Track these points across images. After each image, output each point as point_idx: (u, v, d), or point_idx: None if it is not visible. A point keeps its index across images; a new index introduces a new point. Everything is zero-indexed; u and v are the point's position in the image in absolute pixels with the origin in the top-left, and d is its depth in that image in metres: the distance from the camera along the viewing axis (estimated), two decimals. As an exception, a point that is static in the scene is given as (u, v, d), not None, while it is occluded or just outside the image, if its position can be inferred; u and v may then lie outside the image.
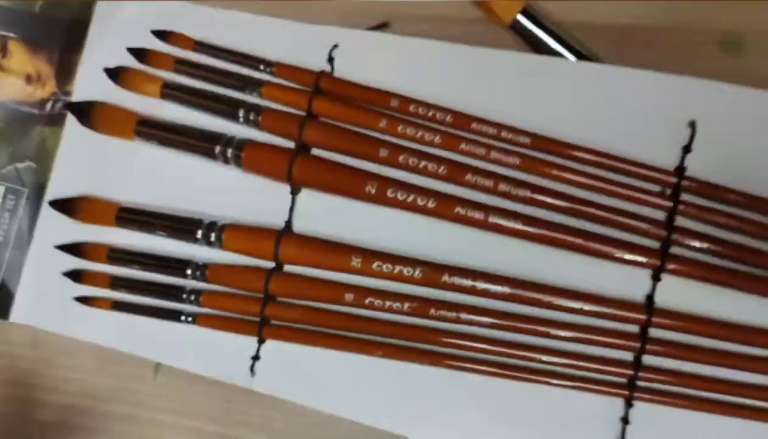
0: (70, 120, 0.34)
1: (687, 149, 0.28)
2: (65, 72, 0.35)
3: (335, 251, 0.31)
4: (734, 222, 0.27)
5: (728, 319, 0.28)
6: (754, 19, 0.32)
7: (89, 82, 0.35)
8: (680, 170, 0.28)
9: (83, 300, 0.33)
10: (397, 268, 0.30)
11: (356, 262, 0.30)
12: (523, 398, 0.29)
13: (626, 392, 0.28)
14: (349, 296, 0.30)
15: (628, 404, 0.28)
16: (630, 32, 0.33)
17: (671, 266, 0.28)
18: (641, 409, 0.28)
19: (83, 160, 0.34)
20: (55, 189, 0.34)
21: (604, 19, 0.33)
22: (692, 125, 0.28)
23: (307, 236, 0.31)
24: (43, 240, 0.34)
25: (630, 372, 0.28)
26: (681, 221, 0.28)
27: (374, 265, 0.30)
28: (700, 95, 0.28)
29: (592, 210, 0.29)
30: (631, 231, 0.28)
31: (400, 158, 0.30)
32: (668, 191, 0.28)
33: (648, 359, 0.28)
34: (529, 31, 0.32)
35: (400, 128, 0.31)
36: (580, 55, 0.32)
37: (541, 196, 0.29)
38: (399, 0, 0.34)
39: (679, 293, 0.28)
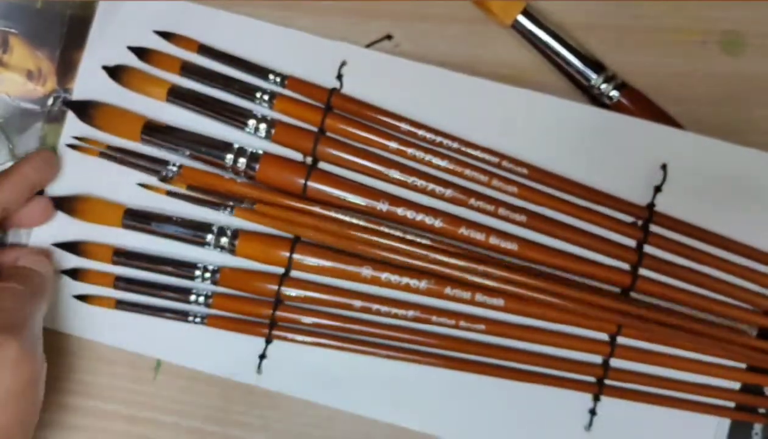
0: (71, 117, 0.34)
1: (658, 189, 0.33)
2: (66, 69, 0.34)
3: (347, 261, 0.33)
4: (693, 253, 0.33)
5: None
6: (754, 19, 0.34)
7: (90, 80, 0.34)
8: (651, 207, 0.33)
9: (83, 298, 0.34)
10: (405, 280, 0.33)
11: (367, 273, 0.33)
12: (510, 392, 0.33)
13: (595, 389, 0.33)
14: (357, 303, 0.33)
15: (596, 399, 0.33)
16: (630, 32, 0.34)
17: (639, 285, 0.33)
18: (606, 403, 0.33)
19: (82, 158, 0.34)
20: (54, 186, 0.34)
21: (604, 19, 0.34)
22: (664, 168, 0.33)
23: (320, 244, 0.33)
24: (41, 236, 0.34)
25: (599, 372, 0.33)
26: (648, 249, 0.33)
27: (383, 276, 0.33)
28: (674, 142, 0.33)
29: (577, 235, 0.33)
30: (607, 254, 0.33)
31: (410, 180, 0.33)
32: (639, 223, 0.33)
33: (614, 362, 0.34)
34: (530, 31, 0.34)
35: (409, 151, 0.33)
36: (579, 56, 0.34)
37: (535, 222, 0.33)
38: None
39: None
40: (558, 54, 0.34)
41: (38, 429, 0.34)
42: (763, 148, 0.33)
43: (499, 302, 0.33)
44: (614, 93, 0.34)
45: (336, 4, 0.35)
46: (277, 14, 0.35)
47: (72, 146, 0.34)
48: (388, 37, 0.35)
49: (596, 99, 0.34)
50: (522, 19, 0.34)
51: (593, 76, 0.34)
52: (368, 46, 0.35)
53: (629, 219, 0.33)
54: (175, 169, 0.33)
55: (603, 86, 0.34)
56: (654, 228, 0.33)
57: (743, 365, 0.33)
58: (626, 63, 0.34)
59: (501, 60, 0.35)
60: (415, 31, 0.35)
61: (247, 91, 0.34)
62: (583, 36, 0.35)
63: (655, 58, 0.34)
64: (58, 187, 0.34)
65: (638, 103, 0.34)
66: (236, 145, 0.33)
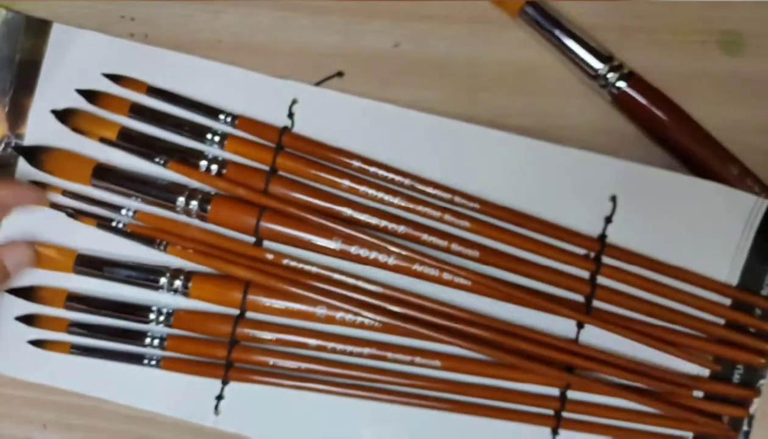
0: (22, 163, 0.34)
1: (608, 220, 0.33)
2: (17, 114, 0.34)
3: (301, 301, 0.33)
4: (645, 283, 0.33)
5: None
6: (754, 19, 0.34)
7: (41, 125, 0.34)
8: (602, 238, 0.33)
9: (38, 343, 0.33)
10: (359, 318, 0.33)
11: (321, 313, 0.33)
12: (468, 428, 0.33)
13: (553, 422, 0.33)
14: (312, 342, 0.33)
15: (554, 432, 0.33)
16: (630, 32, 0.34)
17: (593, 317, 0.33)
18: (565, 436, 0.33)
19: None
20: (7, 232, 0.34)
21: (605, 20, 0.34)
22: (613, 200, 0.33)
23: (272, 285, 0.33)
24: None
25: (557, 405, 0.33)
26: (602, 280, 0.33)
27: (338, 315, 0.33)
28: (622, 174, 0.33)
29: (530, 269, 0.33)
30: (561, 287, 0.33)
31: (362, 218, 0.33)
32: (592, 255, 0.33)
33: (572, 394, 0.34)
34: (536, 21, 0.33)
35: (362, 189, 0.33)
36: (585, 45, 0.33)
37: (488, 256, 0.33)
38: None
39: (598, 338, 0.33)
40: (564, 44, 0.34)
41: (37, 428, 0.34)
42: (764, 148, 0.33)
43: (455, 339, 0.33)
44: (621, 83, 0.33)
45: (336, 4, 0.35)
46: (277, 14, 0.35)
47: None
48: (339, 74, 0.35)
49: (603, 88, 0.34)
50: (529, 10, 0.34)
51: (600, 65, 0.33)
52: (318, 83, 0.35)
53: (582, 251, 0.33)
54: (130, 214, 0.33)
55: (610, 76, 0.33)
56: (606, 259, 0.33)
57: (701, 394, 0.33)
58: (626, 63, 0.34)
59: (501, 60, 0.35)
60: (415, 31, 0.35)
61: (198, 132, 0.34)
62: (584, 36, 0.34)
63: (655, 58, 0.34)
64: (9, 232, 0.34)
65: (646, 94, 0.33)
66: (189, 187, 0.33)
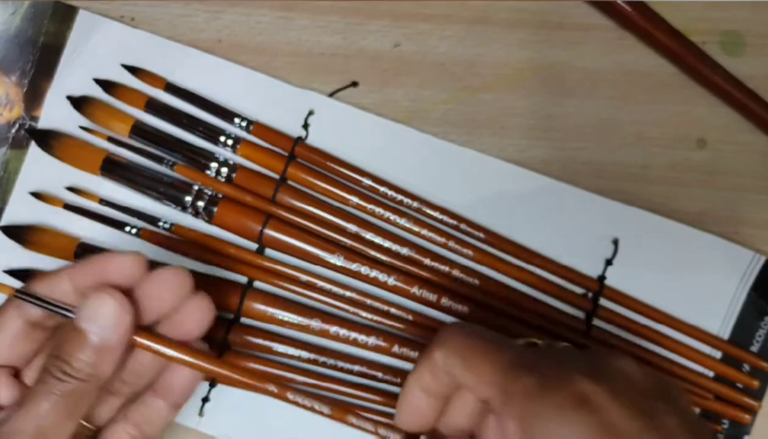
0: (34, 145, 0.34)
1: (609, 262, 0.34)
2: (34, 96, 0.34)
3: (297, 311, 0.33)
4: (640, 328, 0.33)
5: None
6: (754, 19, 0.34)
7: (57, 109, 0.34)
8: (601, 279, 0.34)
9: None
10: (353, 335, 0.33)
11: (316, 325, 0.33)
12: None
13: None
14: (305, 355, 0.33)
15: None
16: (630, 32, 0.34)
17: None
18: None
19: (44, 187, 0.34)
20: (13, 213, 0.34)
21: (604, 20, 0.34)
22: (615, 243, 0.34)
23: (270, 293, 0.33)
24: (-6, 263, 0.34)
25: None
26: (597, 322, 0.33)
27: (332, 329, 0.33)
28: (626, 218, 0.34)
29: (528, 303, 0.33)
30: (556, 323, 0.33)
31: (367, 236, 0.33)
32: (590, 295, 0.34)
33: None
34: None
35: (369, 207, 0.34)
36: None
37: (488, 286, 0.33)
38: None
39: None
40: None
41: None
42: (764, 148, 0.34)
43: (446, 363, 0.33)
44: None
45: (336, 4, 0.35)
46: (277, 14, 0.35)
47: (36, 195, 0.34)
48: (354, 84, 0.35)
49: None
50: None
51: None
52: (332, 94, 0.35)
53: (580, 290, 0.34)
54: (134, 231, 0.33)
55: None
56: (603, 301, 0.33)
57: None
58: (626, 63, 0.34)
59: (501, 60, 0.35)
60: (415, 31, 0.35)
61: (212, 133, 0.34)
62: (582, 36, 0.35)
63: (655, 58, 0.34)
64: (15, 214, 0.34)
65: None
66: (197, 187, 0.33)
